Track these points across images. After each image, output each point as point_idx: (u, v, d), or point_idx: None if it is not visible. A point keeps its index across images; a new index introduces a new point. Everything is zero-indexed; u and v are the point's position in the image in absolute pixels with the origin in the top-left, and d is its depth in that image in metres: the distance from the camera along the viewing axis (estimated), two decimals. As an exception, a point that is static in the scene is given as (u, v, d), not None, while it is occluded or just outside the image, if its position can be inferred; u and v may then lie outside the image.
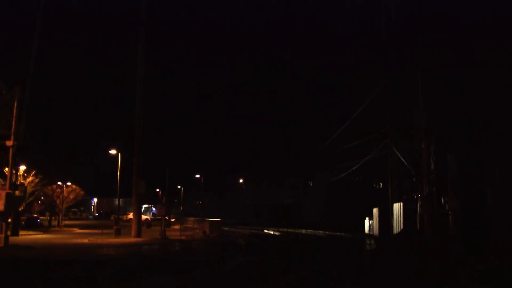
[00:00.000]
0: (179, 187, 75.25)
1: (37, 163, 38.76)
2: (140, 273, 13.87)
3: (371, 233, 43.58)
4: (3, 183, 29.19)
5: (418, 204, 24.72)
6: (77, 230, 43.29)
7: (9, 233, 23.08)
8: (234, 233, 48.50)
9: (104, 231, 33.81)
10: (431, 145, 24.71)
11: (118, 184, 35.84)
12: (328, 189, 67.56)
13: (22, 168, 36.43)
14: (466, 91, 23.37)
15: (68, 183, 52.04)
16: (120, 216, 37.76)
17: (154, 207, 72.54)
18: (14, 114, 23.15)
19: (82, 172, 61.88)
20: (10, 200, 22.70)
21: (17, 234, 26.58)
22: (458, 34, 24.09)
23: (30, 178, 38.50)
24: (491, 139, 21.75)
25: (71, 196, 52.11)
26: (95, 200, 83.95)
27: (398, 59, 28.05)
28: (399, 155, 30.07)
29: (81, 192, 54.63)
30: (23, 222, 39.28)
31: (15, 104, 23.28)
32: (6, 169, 25.43)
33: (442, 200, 23.28)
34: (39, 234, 35.84)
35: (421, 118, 24.99)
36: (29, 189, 38.16)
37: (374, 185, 66.07)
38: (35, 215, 50.67)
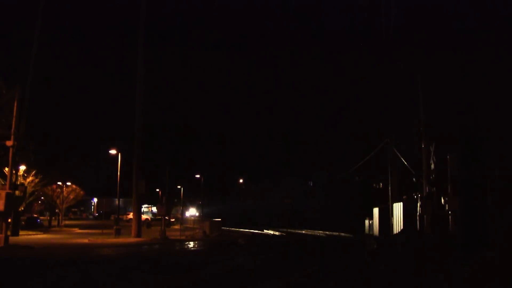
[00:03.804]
0: (179, 187, 75.21)
1: (37, 163, 38.82)
2: (140, 273, 13.85)
3: (371, 233, 43.56)
4: (3, 183, 29.23)
5: (418, 204, 24.74)
6: (77, 230, 43.28)
7: (9, 233, 23.06)
8: (234, 233, 48.53)
9: (104, 231, 33.82)
10: (431, 145, 24.71)
11: (118, 184, 35.84)
12: (328, 189, 67.56)
13: (22, 168, 36.46)
14: (466, 91, 23.35)
15: (68, 183, 52.05)
16: (120, 216, 37.77)
17: (154, 207, 72.50)
18: (14, 114, 23.12)
19: (82, 172, 61.96)
20: (10, 200, 22.68)
21: (17, 234, 26.53)
22: (458, 34, 24.10)
23: (30, 178, 38.54)
24: (491, 139, 21.73)
25: (71, 196, 52.12)
26: (95, 200, 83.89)
27: (399, 60, 28.06)
28: (399, 156, 30.11)
29: (81, 192, 54.63)
30: (23, 222, 39.26)
31: (15, 104, 23.27)
32: (6, 169, 25.44)
33: (442, 200, 23.30)
34: (39, 234, 35.83)
35: (421, 118, 25.00)
36: (29, 189, 38.18)
37: (374, 185, 66.04)
38: (35, 215, 50.64)
